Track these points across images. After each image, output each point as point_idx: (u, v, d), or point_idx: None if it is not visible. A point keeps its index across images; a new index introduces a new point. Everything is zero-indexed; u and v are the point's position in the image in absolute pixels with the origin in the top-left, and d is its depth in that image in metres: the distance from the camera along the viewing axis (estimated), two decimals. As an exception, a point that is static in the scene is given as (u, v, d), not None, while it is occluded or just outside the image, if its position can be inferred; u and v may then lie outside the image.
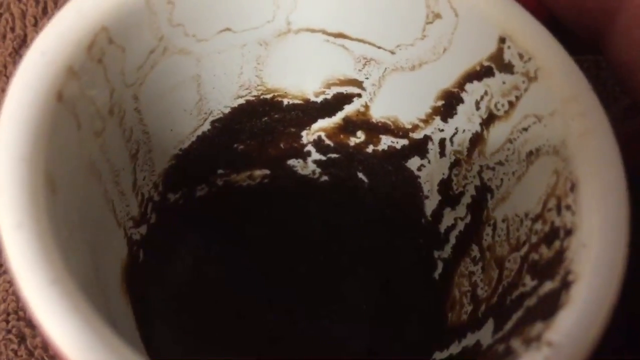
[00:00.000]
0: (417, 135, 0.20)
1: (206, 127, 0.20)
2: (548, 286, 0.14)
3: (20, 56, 0.25)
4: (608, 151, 0.14)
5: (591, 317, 0.12)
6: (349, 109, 0.20)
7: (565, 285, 0.13)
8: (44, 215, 0.12)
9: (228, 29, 0.18)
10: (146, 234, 0.19)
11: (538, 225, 0.15)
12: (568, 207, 0.14)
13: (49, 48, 0.14)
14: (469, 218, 0.19)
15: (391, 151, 0.21)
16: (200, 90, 0.19)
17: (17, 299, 0.22)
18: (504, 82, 0.16)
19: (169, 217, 0.20)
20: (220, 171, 0.22)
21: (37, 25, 0.25)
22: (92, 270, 0.15)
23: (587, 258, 0.13)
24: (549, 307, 0.13)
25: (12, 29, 0.25)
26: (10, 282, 0.22)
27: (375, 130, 0.20)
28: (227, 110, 0.20)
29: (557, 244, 0.14)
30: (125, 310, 0.17)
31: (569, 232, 0.14)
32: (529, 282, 0.15)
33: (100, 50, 0.15)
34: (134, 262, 0.18)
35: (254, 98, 0.20)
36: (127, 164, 0.18)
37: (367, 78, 0.19)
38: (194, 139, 0.20)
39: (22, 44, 0.25)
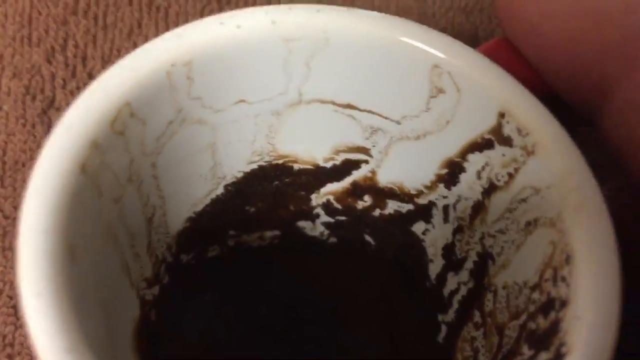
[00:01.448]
0: (422, 200, 0.20)
1: (220, 190, 0.21)
2: (543, 356, 0.14)
3: (49, 117, 0.26)
4: (602, 225, 0.15)
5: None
6: (356, 174, 0.21)
7: (559, 356, 0.14)
8: (63, 284, 0.13)
9: (243, 101, 0.19)
10: (158, 294, 0.20)
11: (536, 295, 0.16)
12: (563, 279, 0.15)
13: (75, 123, 0.15)
14: (471, 283, 0.19)
15: (397, 215, 0.21)
16: (215, 156, 0.20)
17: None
18: (503, 155, 0.17)
19: (181, 278, 0.21)
20: (231, 232, 0.22)
21: (65, 87, 0.27)
22: (104, 331, 0.16)
23: (580, 331, 0.14)
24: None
25: (42, 91, 0.27)
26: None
27: (381, 194, 0.21)
28: (240, 175, 0.21)
29: (552, 314, 0.15)
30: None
31: (563, 304, 0.14)
32: (526, 351, 0.15)
33: (123, 124, 0.16)
34: (146, 323, 0.19)
35: (266, 163, 0.21)
36: (143, 227, 0.19)
37: (374, 146, 0.20)
38: (207, 202, 0.21)
39: (51, 105, 0.27)
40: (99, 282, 0.16)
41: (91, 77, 0.27)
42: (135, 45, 0.27)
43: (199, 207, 0.21)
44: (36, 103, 0.26)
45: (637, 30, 0.16)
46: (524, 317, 0.16)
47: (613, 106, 0.16)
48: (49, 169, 0.14)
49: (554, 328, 0.14)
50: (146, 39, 0.27)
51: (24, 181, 0.25)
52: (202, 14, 0.28)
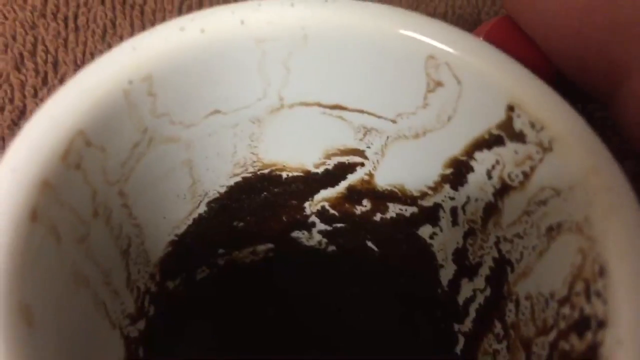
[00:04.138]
0: (427, 202, 0.18)
1: (202, 209, 0.19)
2: (582, 387, 0.12)
3: (20, 128, 0.24)
4: (637, 230, 0.13)
5: None
6: (352, 178, 0.19)
7: (603, 390, 0.12)
8: (18, 352, 0.11)
9: (217, 111, 0.16)
10: (145, 328, 0.18)
11: (566, 310, 0.14)
12: (598, 294, 0.13)
13: (20, 163, 0.13)
14: (488, 291, 0.18)
15: (400, 219, 0.19)
16: (193, 173, 0.18)
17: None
18: (516, 152, 0.15)
19: (168, 307, 0.19)
20: (221, 250, 0.20)
21: (36, 96, 0.25)
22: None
23: (624, 357, 0.12)
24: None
25: (11, 100, 0.24)
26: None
27: (381, 198, 0.19)
28: (223, 190, 0.19)
29: (589, 336, 0.13)
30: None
31: (601, 325, 0.13)
32: (560, 375, 0.14)
33: (78, 156, 0.14)
34: (133, 365, 0.17)
35: (250, 175, 0.19)
36: (118, 261, 0.17)
37: (368, 147, 0.18)
38: (189, 222, 0.19)
39: (21, 115, 0.24)
40: (67, 339, 0.14)
41: (63, 83, 0.25)
42: (110, 47, 0.25)
43: (181, 229, 0.19)
44: (5, 114, 0.24)
45: None
46: (553, 334, 0.14)
47: (626, 93, 0.14)
48: (-9, 222, 0.12)
49: (593, 353, 0.13)
50: (121, 40, 0.25)
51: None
52: (180, 10, 0.26)
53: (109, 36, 0.25)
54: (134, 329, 0.18)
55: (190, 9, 0.26)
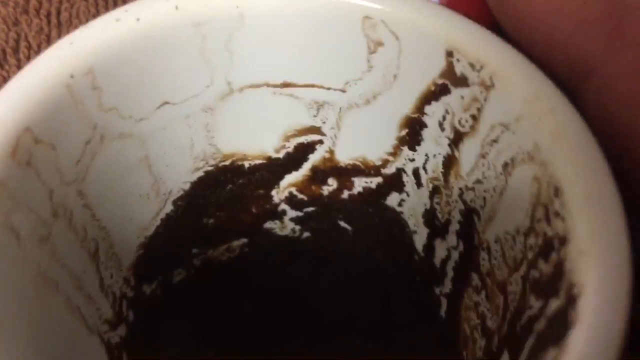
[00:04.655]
0: (389, 170, 0.19)
1: (168, 208, 0.19)
2: (554, 304, 0.12)
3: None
4: (587, 147, 0.13)
5: (605, 334, 0.11)
6: (314, 158, 0.19)
7: (571, 300, 0.12)
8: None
9: (166, 103, 0.17)
10: (126, 334, 0.18)
11: (531, 240, 0.14)
12: (557, 214, 0.13)
13: (-33, 163, 0.13)
14: (461, 246, 0.18)
15: (367, 192, 0.20)
16: (153, 171, 0.18)
17: None
18: (462, 97, 0.15)
19: (148, 311, 0.19)
20: (195, 250, 0.20)
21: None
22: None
23: (587, 266, 0.12)
24: (559, 328, 0.12)
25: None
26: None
27: (345, 174, 0.19)
28: (187, 187, 0.19)
29: (554, 256, 0.13)
30: None
31: (563, 241, 0.13)
32: (534, 302, 0.14)
33: (27, 153, 0.14)
34: (115, 369, 0.17)
35: (212, 168, 0.19)
36: (88, 265, 0.16)
37: (324, 122, 0.18)
38: (158, 223, 0.19)
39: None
40: (43, 348, 0.14)
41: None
42: None
43: (150, 230, 0.19)
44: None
45: (622, 4, 0.14)
46: (524, 267, 0.14)
47: (591, 88, 0.14)
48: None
49: (559, 270, 0.13)
50: None
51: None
52: None
53: (92, 32, 0.26)
54: (114, 335, 0.17)
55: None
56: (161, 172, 0.18)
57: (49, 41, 0.25)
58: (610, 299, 0.11)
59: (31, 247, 0.14)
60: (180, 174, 0.18)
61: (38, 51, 0.25)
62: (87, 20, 0.25)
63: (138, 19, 0.15)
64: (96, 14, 0.25)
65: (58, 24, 0.25)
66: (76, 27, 0.25)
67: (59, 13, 0.26)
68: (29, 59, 0.25)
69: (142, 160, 0.17)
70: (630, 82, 0.14)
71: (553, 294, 0.13)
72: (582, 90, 0.15)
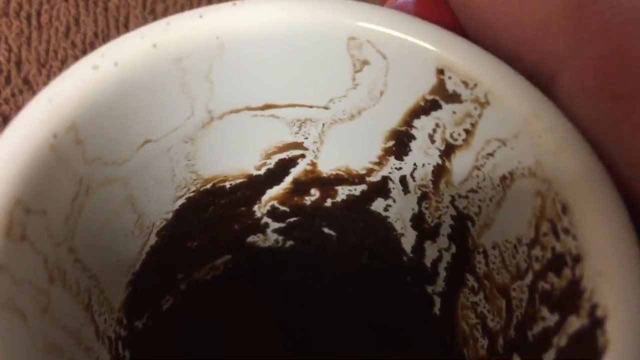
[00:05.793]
0: (374, 178, 0.19)
1: (153, 240, 0.18)
2: (575, 323, 0.13)
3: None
4: (591, 164, 0.13)
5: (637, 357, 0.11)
6: (295, 172, 0.19)
7: (596, 322, 0.12)
8: None
9: (148, 141, 0.16)
10: (126, 375, 0.17)
11: (537, 251, 0.15)
12: (566, 231, 0.13)
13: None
14: (454, 248, 0.18)
15: (351, 199, 0.19)
16: (136, 208, 0.17)
17: None
18: (454, 112, 0.15)
19: (142, 346, 0.18)
20: (180, 275, 0.20)
21: (0, 96, 0.24)
22: None
23: (610, 288, 0.12)
24: (587, 349, 0.12)
25: None
26: None
27: (328, 183, 0.19)
28: (169, 216, 0.18)
29: (567, 272, 0.13)
30: None
31: (577, 259, 0.13)
32: (548, 315, 0.14)
33: (21, 227, 0.13)
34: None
35: (193, 193, 0.18)
36: (84, 317, 0.16)
37: (306, 138, 0.18)
38: (143, 257, 0.18)
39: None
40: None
41: (27, 82, 0.24)
42: (73, 45, 0.24)
43: (137, 266, 0.18)
44: None
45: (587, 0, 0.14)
46: (530, 277, 0.15)
47: (561, 83, 0.14)
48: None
49: (575, 287, 0.13)
50: (85, 37, 0.24)
51: None
52: (144, 5, 0.25)
53: (73, 33, 0.25)
54: (115, 380, 0.17)
55: (154, 4, 0.25)
56: (144, 208, 0.17)
57: (29, 43, 0.24)
58: (637, 322, 0.12)
59: (35, 322, 0.13)
60: (163, 205, 0.18)
61: (18, 53, 0.24)
62: (68, 22, 0.24)
63: (116, 64, 0.14)
64: (77, 16, 0.24)
65: (38, 26, 0.24)
66: (57, 29, 0.24)
67: (39, 15, 0.25)
68: (9, 61, 0.24)
69: (125, 201, 0.16)
70: (598, 75, 0.14)
71: (572, 311, 0.13)
72: (554, 87, 0.15)
